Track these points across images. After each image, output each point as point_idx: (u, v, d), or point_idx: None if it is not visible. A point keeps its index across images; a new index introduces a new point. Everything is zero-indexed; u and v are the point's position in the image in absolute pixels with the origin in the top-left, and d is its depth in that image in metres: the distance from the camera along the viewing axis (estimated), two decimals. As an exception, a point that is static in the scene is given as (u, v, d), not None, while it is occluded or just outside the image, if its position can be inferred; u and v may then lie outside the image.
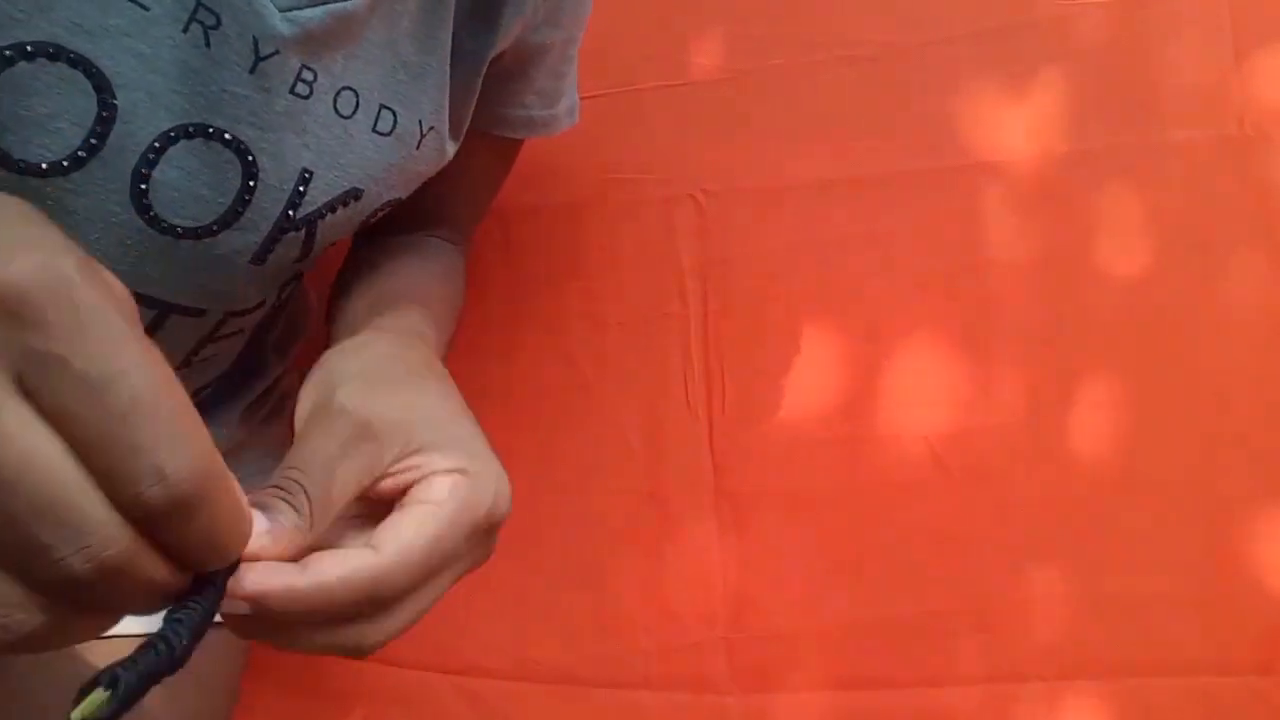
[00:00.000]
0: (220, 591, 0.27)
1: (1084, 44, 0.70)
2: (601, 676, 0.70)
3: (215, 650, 0.60)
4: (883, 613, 0.67)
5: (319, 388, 0.36)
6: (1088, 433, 0.67)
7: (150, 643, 0.24)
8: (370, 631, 0.31)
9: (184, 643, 0.25)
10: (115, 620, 0.24)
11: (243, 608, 0.28)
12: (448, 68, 0.49)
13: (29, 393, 0.21)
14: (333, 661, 0.73)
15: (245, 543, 0.26)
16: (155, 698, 0.59)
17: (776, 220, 0.73)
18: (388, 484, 0.33)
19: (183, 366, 0.52)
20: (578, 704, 0.69)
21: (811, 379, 0.71)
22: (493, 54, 0.52)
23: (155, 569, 0.23)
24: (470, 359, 0.75)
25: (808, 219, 0.72)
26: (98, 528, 0.21)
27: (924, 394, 0.69)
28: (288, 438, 0.72)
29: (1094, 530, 0.66)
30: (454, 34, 0.49)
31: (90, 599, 0.22)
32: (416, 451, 0.33)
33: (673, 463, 0.71)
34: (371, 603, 0.30)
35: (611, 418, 0.73)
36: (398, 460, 0.33)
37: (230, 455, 0.60)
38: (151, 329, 0.47)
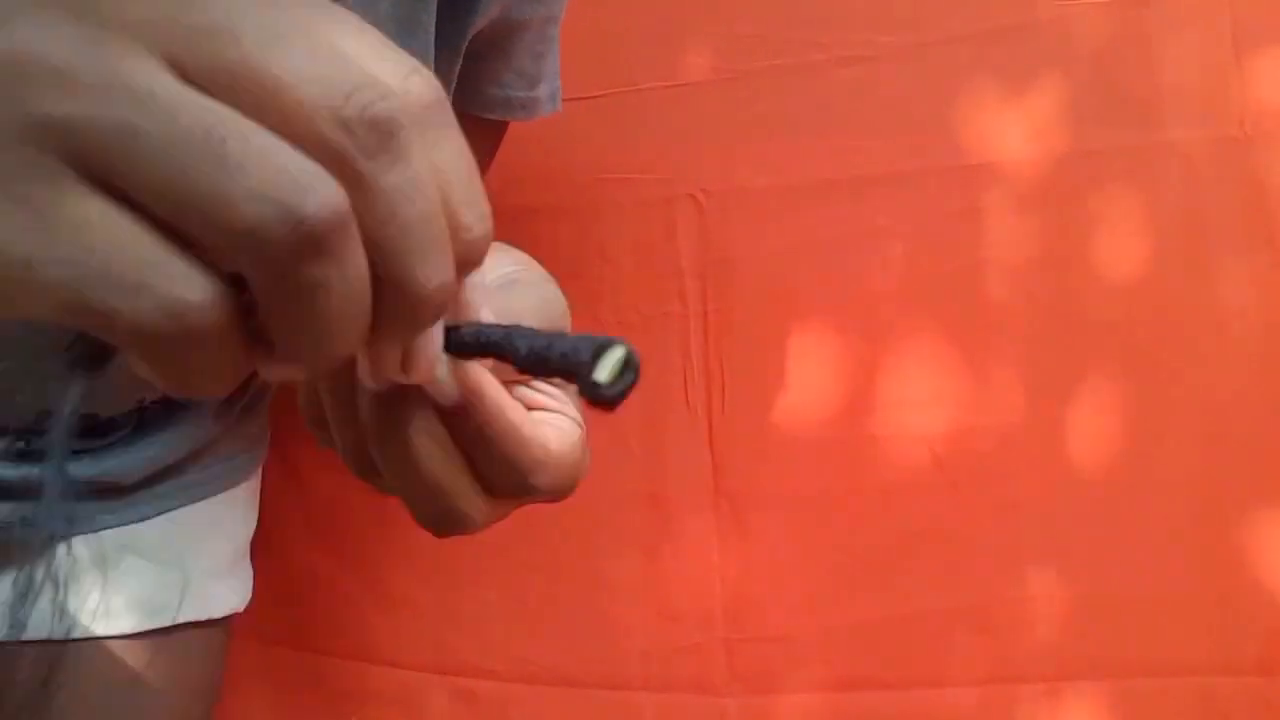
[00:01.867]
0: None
1: (1084, 44, 0.70)
2: (600, 677, 0.70)
3: (196, 652, 0.59)
4: (882, 613, 0.67)
5: (520, 257, 0.33)
6: (1087, 433, 0.67)
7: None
8: (480, 508, 0.28)
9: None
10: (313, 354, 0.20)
11: (450, 389, 0.25)
12: (432, 50, 0.48)
13: (190, 74, 0.19)
14: (331, 662, 0.73)
15: (483, 239, 0.22)
16: (134, 699, 0.58)
17: (776, 220, 0.73)
18: (524, 392, 0.31)
19: None
20: (576, 705, 0.69)
21: (811, 379, 0.71)
22: (472, 32, 0.50)
23: (364, 264, 0.20)
24: (470, 359, 0.75)
25: (808, 219, 0.72)
26: (318, 175, 0.19)
27: (923, 394, 0.69)
28: (263, 433, 0.70)
29: (1094, 530, 0.66)
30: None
31: (284, 263, 0.19)
32: (557, 385, 0.31)
33: (673, 463, 0.71)
34: (522, 478, 0.28)
35: (611, 418, 0.72)
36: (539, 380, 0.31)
37: (205, 450, 0.60)
38: None
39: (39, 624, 0.54)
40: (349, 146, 0.19)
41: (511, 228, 0.82)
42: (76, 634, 0.55)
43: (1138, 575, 0.65)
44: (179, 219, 0.18)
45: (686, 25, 0.76)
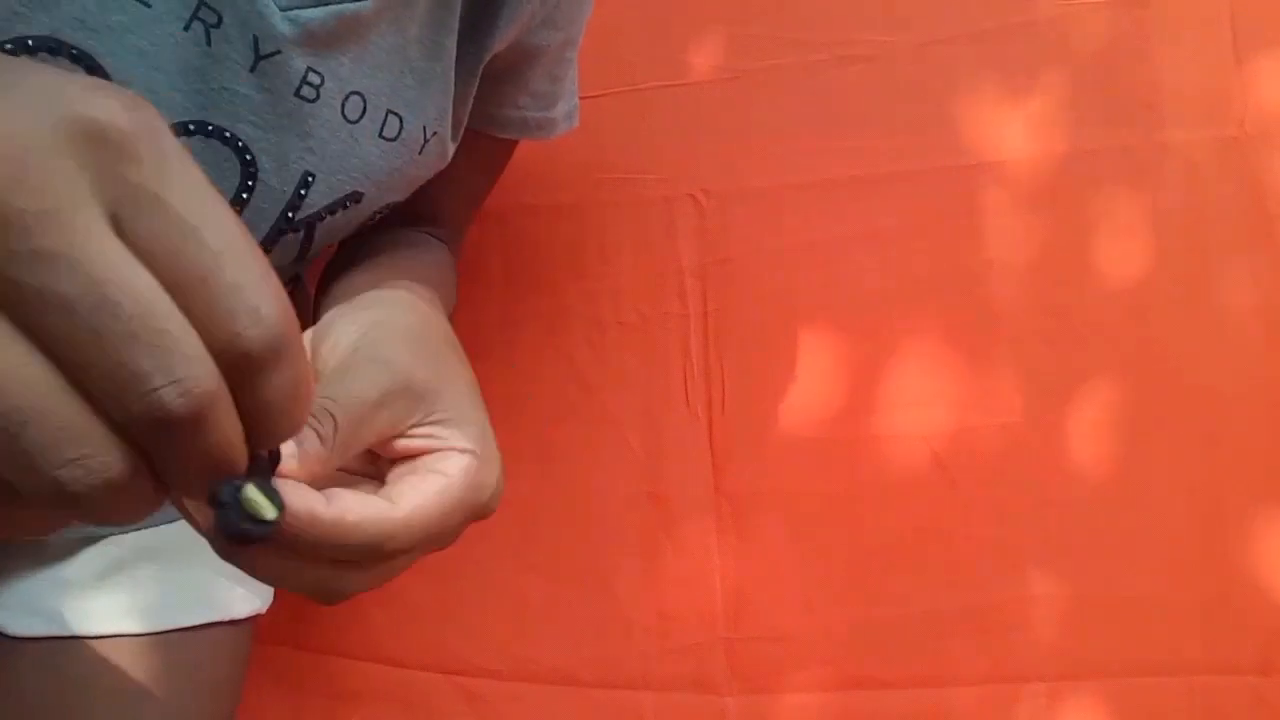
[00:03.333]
0: (270, 467, 0.26)
1: (1083, 44, 0.70)
2: (601, 677, 0.70)
3: (218, 651, 0.60)
4: (882, 613, 0.67)
5: (366, 327, 0.35)
6: (1087, 433, 0.67)
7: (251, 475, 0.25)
8: (353, 580, 0.31)
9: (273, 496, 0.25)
10: (167, 501, 0.23)
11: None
12: (453, 74, 0.49)
13: (122, 231, 0.20)
14: (333, 661, 0.73)
15: (307, 415, 0.25)
16: (158, 698, 0.59)
17: (776, 220, 0.73)
18: (402, 444, 0.33)
19: None
20: (577, 704, 0.69)
21: (811, 379, 0.71)
22: (489, 56, 0.51)
23: (232, 428, 0.22)
24: (470, 359, 0.75)
25: (808, 219, 0.72)
26: (193, 362, 0.21)
27: (923, 394, 0.69)
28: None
29: (1093, 531, 0.66)
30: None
31: (171, 446, 0.21)
32: (438, 422, 0.33)
33: (673, 463, 0.71)
34: (373, 553, 0.30)
35: (611, 418, 0.73)
36: (419, 424, 0.33)
37: None
38: None
39: (66, 621, 0.55)
40: (233, 364, 0.21)
41: (512, 227, 0.83)
42: (103, 631, 0.56)
43: (1137, 575, 0.65)
44: (87, 376, 0.20)
45: (686, 25, 0.76)
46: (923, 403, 0.69)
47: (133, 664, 0.56)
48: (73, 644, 0.55)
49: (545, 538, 0.72)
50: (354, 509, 0.29)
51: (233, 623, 0.60)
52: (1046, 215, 0.69)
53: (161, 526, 0.58)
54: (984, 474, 0.68)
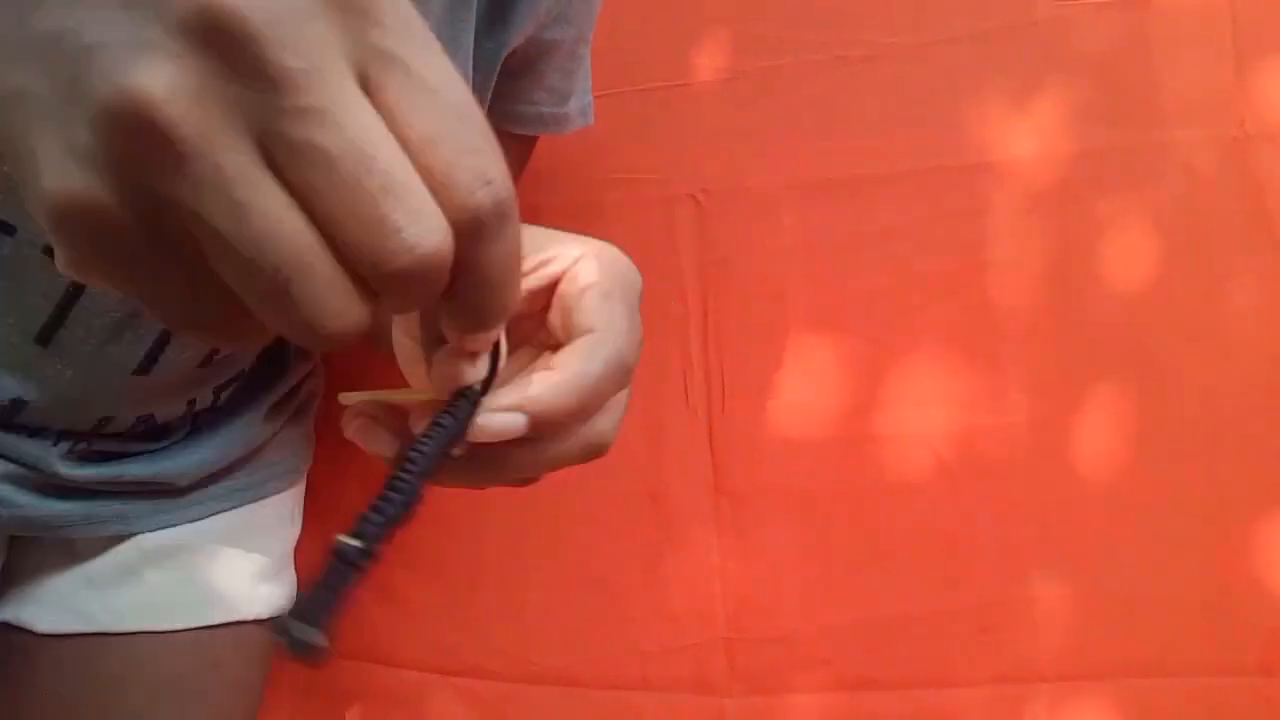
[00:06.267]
0: (469, 411, 0.28)
1: (1084, 45, 0.70)
2: (601, 677, 0.70)
3: (240, 650, 0.60)
4: (884, 614, 0.67)
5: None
6: (1089, 434, 0.67)
7: (387, 489, 0.25)
8: (557, 454, 0.31)
9: (416, 486, 0.26)
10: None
11: (507, 422, 0.29)
12: (470, 71, 0.50)
13: (366, 90, 0.21)
14: (333, 661, 0.73)
15: (518, 295, 0.25)
16: (181, 695, 0.59)
17: (776, 220, 0.73)
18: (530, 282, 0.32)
19: (202, 366, 0.53)
20: (577, 704, 0.69)
21: (812, 379, 0.71)
22: (507, 51, 0.52)
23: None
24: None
25: (808, 219, 0.72)
26: (433, 215, 0.21)
27: (925, 394, 0.69)
28: (309, 439, 0.72)
29: (1098, 532, 0.66)
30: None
31: (406, 296, 0.22)
32: (541, 250, 0.32)
33: (673, 463, 0.71)
34: (608, 388, 0.30)
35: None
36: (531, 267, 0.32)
37: (255, 454, 0.62)
38: (166, 336, 0.48)
39: (92, 618, 0.55)
40: (464, 225, 0.22)
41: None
42: (127, 628, 0.56)
43: (1141, 576, 0.65)
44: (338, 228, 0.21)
45: (687, 25, 0.76)
46: (924, 403, 0.69)
47: (156, 661, 0.57)
48: (98, 641, 0.56)
49: (545, 538, 0.72)
50: (576, 361, 0.30)
51: (255, 622, 0.61)
52: (1047, 215, 0.69)
53: (186, 526, 0.59)
54: (986, 474, 0.67)
